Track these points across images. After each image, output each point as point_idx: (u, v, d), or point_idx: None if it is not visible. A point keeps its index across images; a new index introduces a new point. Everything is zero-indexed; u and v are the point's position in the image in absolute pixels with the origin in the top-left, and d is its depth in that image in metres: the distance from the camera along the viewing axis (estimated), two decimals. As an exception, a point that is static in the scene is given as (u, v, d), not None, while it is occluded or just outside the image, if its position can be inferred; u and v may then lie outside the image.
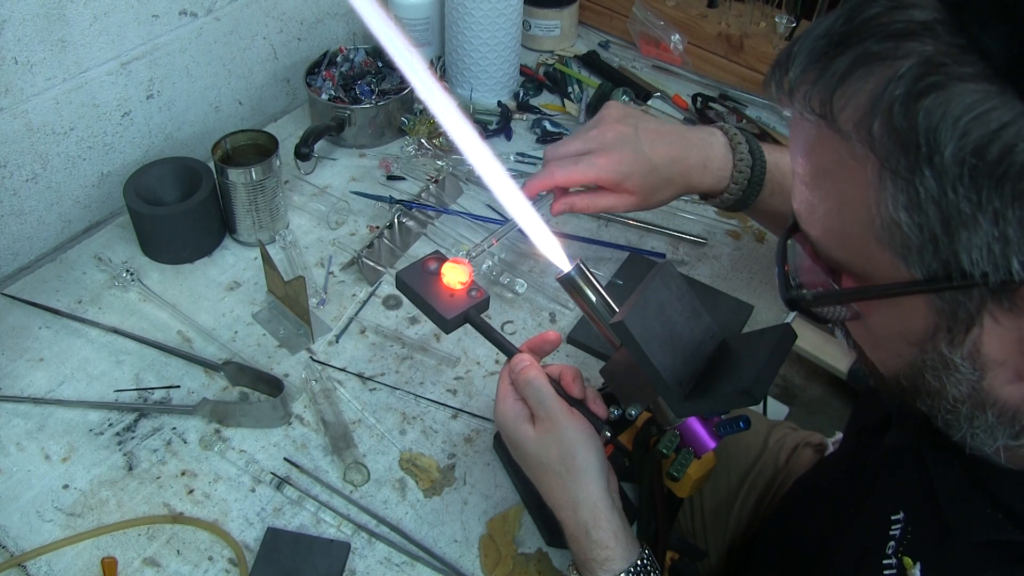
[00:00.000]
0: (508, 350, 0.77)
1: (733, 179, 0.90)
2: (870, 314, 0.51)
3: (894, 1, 0.44)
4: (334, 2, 1.35)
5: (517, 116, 1.33)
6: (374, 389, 0.97)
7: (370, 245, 1.08)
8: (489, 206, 1.18)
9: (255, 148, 1.10)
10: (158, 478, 0.87)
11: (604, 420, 0.74)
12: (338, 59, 1.30)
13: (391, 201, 1.16)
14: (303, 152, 1.16)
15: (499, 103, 1.35)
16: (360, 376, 0.98)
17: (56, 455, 0.88)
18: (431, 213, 1.15)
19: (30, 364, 0.97)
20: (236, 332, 1.02)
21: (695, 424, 0.73)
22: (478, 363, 1.00)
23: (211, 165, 1.07)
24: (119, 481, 0.87)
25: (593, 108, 1.33)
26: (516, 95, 1.38)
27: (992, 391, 0.48)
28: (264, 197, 1.07)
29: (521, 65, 1.40)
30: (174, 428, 0.91)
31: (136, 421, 0.92)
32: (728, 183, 0.90)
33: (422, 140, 1.24)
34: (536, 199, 0.92)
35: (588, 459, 0.71)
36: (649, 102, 1.37)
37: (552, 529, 0.82)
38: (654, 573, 0.70)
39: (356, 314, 1.04)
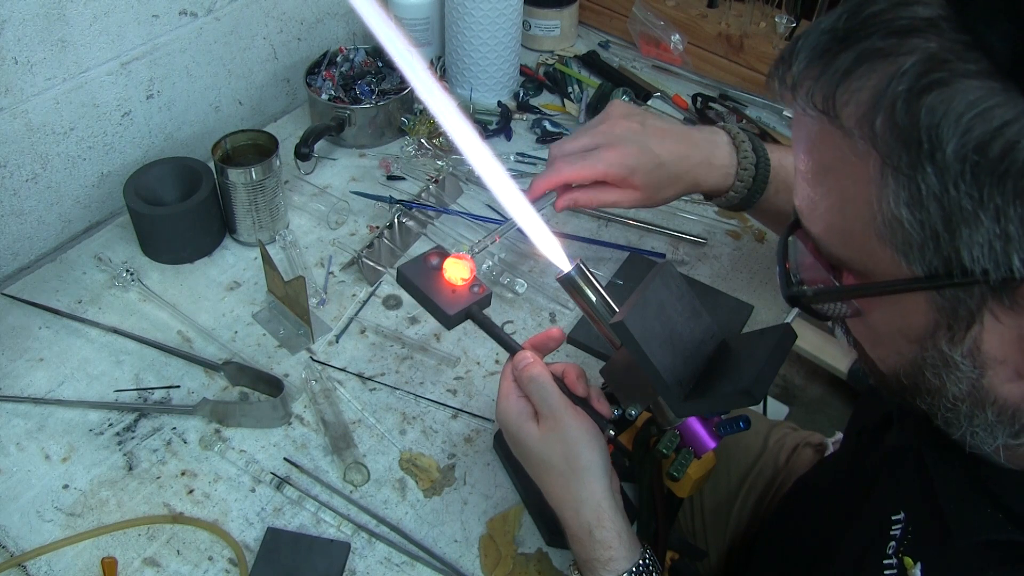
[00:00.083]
0: (511, 347, 0.77)
1: (738, 177, 0.90)
2: (870, 311, 0.52)
3: None
4: (334, 2, 1.35)
5: (517, 116, 1.33)
6: (374, 389, 0.97)
7: (370, 245, 1.08)
8: (489, 206, 1.18)
9: (255, 148, 1.10)
10: (158, 478, 0.87)
11: (608, 419, 0.73)
12: (338, 59, 1.30)
13: (391, 201, 1.16)
14: (303, 152, 1.16)
15: (499, 103, 1.35)
16: (360, 376, 0.98)
17: (56, 455, 0.88)
18: (431, 213, 1.15)
19: (30, 364, 0.97)
20: (236, 332, 1.02)
21: (695, 424, 0.73)
22: (478, 363, 1.00)
23: (211, 165, 1.07)
24: (119, 481, 0.87)
25: (593, 108, 1.33)
26: (516, 95, 1.38)
27: (992, 389, 0.48)
28: (264, 197, 1.07)
29: (521, 65, 1.40)
30: (174, 428, 0.91)
31: (136, 421, 0.92)
32: (733, 181, 0.90)
33: (422, 140, 1.24)
34: (540, 198, 0.92)
35: (592, 458, 0.70)
36: (649, 102, 1.37)
37: (552, 529, 0.82)
38: (656, 573, 0.70)
39: (356, 314, 1.04)
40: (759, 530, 0.99)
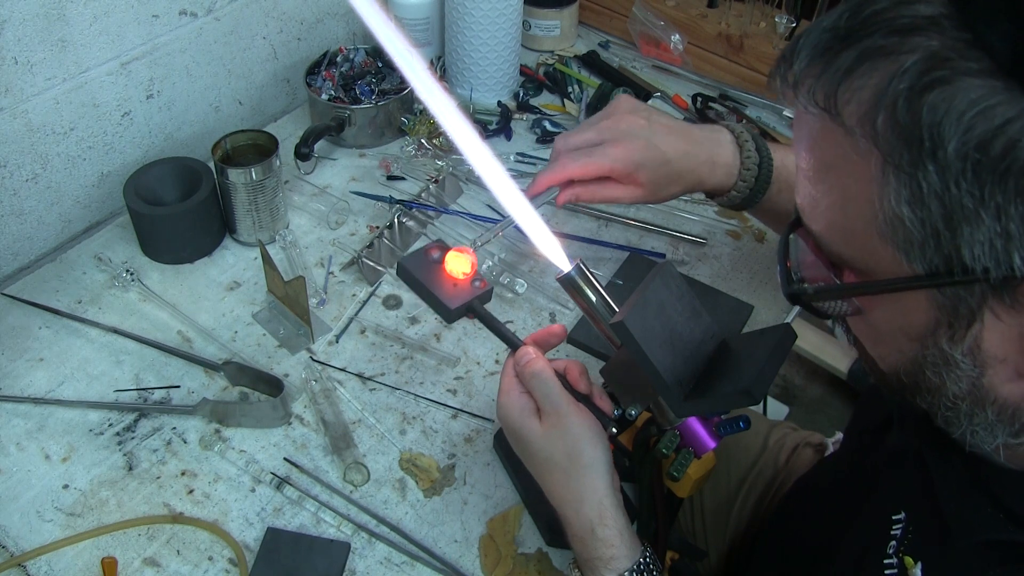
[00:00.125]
0: (512, 343, 0.76)
1: (741, 177, 0.89)
2: (871, 309, 0.52)
3: None
4: (334, 2, 1.35)
5: (517, 116, 1.33)
6: (374, 389, 0.97)
7: (370, 245, 1.08)
8: (489, 206, 1.18)
9: (255, 148, 1.10)
10: (158, 478, 0.87)
11: (610, 416, 0.73)
12: (338, 59, 1.30)
13: (391, 201, 1.16)
14: (303, 152, 1.16)
15: (499, 103, 1.35)
16: (360, 376, 0.98)
17: (56, 455, 0.88)
18: (431, 213, 1.15)
19: (30, 364, 0.97)
20: (236, 332, 1.02)
21: (695, 424, 0.73)
22: (478, 363, 1.00)
23: (211, 165, 1.07)
24: (119, 481, 0.87)
25: (593, 108, 1.33)
26: (516, 95, 1.38)
27: (992, 388, 0.48)
28: (264, 197, 1.07)
29: (521, 65, 1.40)
30: (174, 428, 0.91)
31: (136, 421, 0.92)
32: (736, 181, 0.90)
33: (422, 140, 1.24)
34: (542, 193, 0.91)
35: (595, 455, 0.70)
36: (649, 102, 1.37)
37: (553, 529, 0.82)
38: (656, 572, 0.70)
39: (356, 314, 1.04)
40: (759, 530, 0.99)
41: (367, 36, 1.41)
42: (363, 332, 1.02)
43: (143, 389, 0.95)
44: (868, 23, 0.44)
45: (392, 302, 1.06)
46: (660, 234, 1.15)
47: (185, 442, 0.90)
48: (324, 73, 1.27)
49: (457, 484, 0.89)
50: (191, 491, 0.86)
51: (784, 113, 1.35)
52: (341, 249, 1.11)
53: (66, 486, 0.86)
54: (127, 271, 1.05)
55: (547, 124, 1.31)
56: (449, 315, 0.77)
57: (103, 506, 0.85)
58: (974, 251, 0.42)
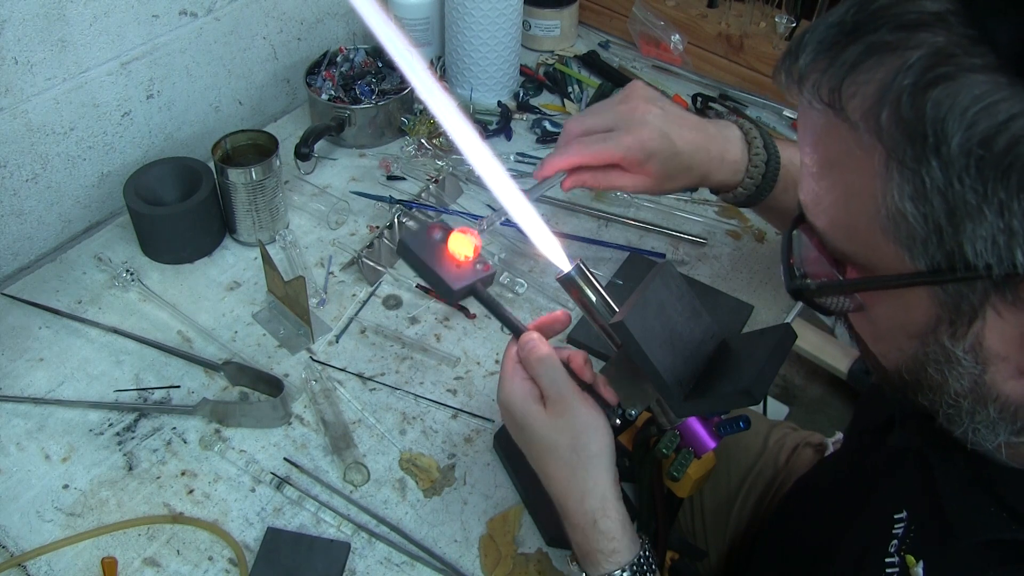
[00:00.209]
0: (516, 328, 0.75)
1: (748, 174, 0.89)
2: (873, 305, 0.52)
3: None
4: (334, 2, 1.35)
5: (517, 116, 1.33)
6: (374, 389, 0.97)
7: (370, 245, 1.08)
8: (489, 206, 1.18)
9: (255, 148, 1.10)
10: (158, 478, 0.87)
11: (614, 407, 0.72)
12: (338, 59, 1.30)
13: (391, 201, 1.16)
14: (303, 152, 1.16)
15: (499, 103, 1.35)
16: (360, 376, 0.98)
17: (56, 455, 0.88)
18: (431, 213, 1.15)
19: (30, 364, 0.97)
20: (236, 332, 1.02)
21: (695, 424, 0.73)
22: (478, 363, 1.00)
23: (211, 165, 1.07)
24: (119, 481, 0.87)
25: (593, 108, 1.33)
26: (516, 95, 1.38)
27: (994, 386, 0.48)
28: (264, 197, 1.07)
29: (521, 65, 1.40)
30: (174, 428, 0.91)
31: (136, 421, 0.92)
32: (743, 177, 0.89)
33: (422, 140, 1.24)
34: (549, 178, 0.89)
35: (600, 446, 0.69)
36: (649, 102, 1.37)
37: (554, 525, 0.82)
38: (654, 566, 0.70)
39: (356, 314, 1.04)
40: (759, 530, 0.99)
41: (367, 36, 1.41)
42: (363, 332, 1.02)
43: (143, 389, 0.95)
44: (874, 18, 0.45)
45: (392, 302, 1.06)
46: (660, 234, 1.15)
47: (185, 442, 0.90)
48: (324, 73, 1.27)
49: (457, 484, 0.89)
50: (191, 491, 0.86)
51: (784, 113, 1.35)
52: (341, 249, 1.11)
53: (66, 486, 0.86)
54: (127, 271, 1.05)
55: (547, 124, 1.31)
56: (452, 296, 0.74)
57: (103, 506, 0.85)
58: (976, 247, 0.42)
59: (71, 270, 1.07)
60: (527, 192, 0.94)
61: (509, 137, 1.31)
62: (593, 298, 0.71)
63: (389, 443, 0.91)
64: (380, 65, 1.31)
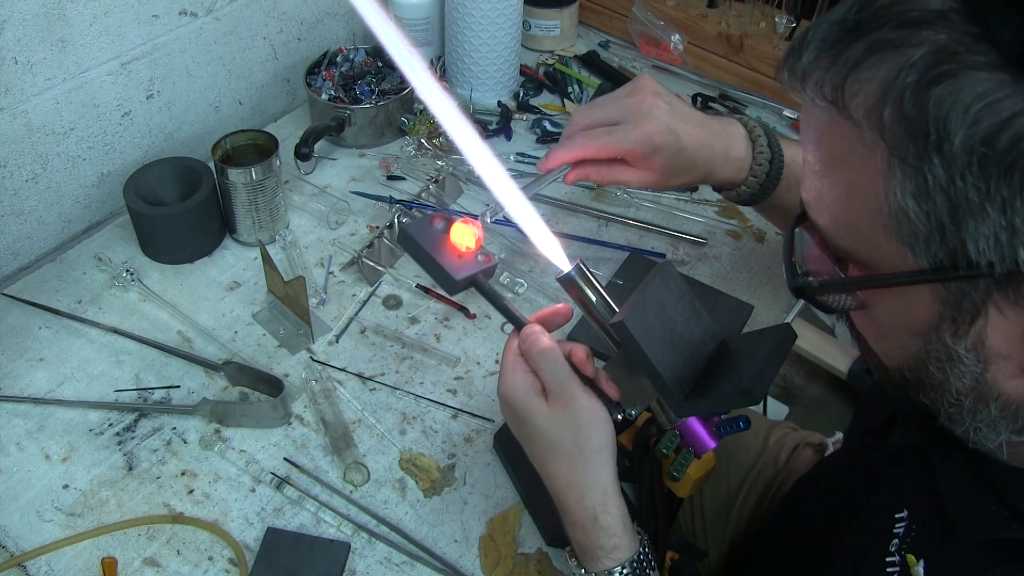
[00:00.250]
0: (517, 320, 0.74)
1: (752, 172, 0.88)
2: (875, 303, 0.52)
3: None
4: (334, 2, 1.35)
5: (517, 116, 1.33)
6: (374, 389, 0.97)
7: (370, 245, 1.08)
8: (488, 205, 1.17)
9: (255, 148, 1.10)
10: (158, 478, 0.87)
11: (616, 402, 0.71)
12: (338, 59, 1.30)
13: (391, 201, 1.16)
14: (303, 152, 1.16)
15: (499, 103, 1.35)
16: (360, 376, 0.98)
17: (56, 455, 0.88)
18: (431, 213, 1.15)
19: (30, 364, 0.97)
20: (236, 332, 1.02)
21: (695, 424, 0.73)
22: (478, 363, 1.00)
23: (211, 165, 1.07)
24: (119, 481, 0.87)
25: (593, 108, 1.32)
26: (516, 95, 1.38)
27: (996, 384, 0.48)
28: (264, 197, 1.07)
29: (521, 65, 1.40)
30: (174, 428, 0.91)
31: (136, 421, 0.92)
32: (747, 176, 0.88)
33: (422, 140, 1.24)
34: (553, 171, 0.88)
35: (602, 441, 0.68)
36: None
37: (554, 525, 0.82)
38: (654, 563, 0.69)
39: (356, 314, 1.04)
40: (759, 530, 0.99)
41: (367, 36, 1.41)
42: (363, 332, 1.02)
43: (143, 389, 0.95)
44: (877, 16, 0.45)
45: (392, 302, 1.06)
46: (660, 234, 1.15)
47: (185, 442, 0.90)
48: (324, 73, 1.27)
49: (457, 484, 0.89)
50: (191, 491, 0.86)
51: (784, 113, 1.35)
52: (341, 249, 1.11)
53: (66, 486, 0.86)
54: (127, 271, 1.05)
55: (547, 124, 1.31)
56: (452, 286, 0.73)
57: (103, 506, 0.85)
58: (979, 245, 0.42)
59: (71, 270, 1.07)
60: (530, 185, 0.94)
61: (509, 137, 1.31)
62: (593, 298, 0.71)
63: (389, 443, 0.91)
64: (380, 65, 1.31)
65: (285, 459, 0.89)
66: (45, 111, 1.03)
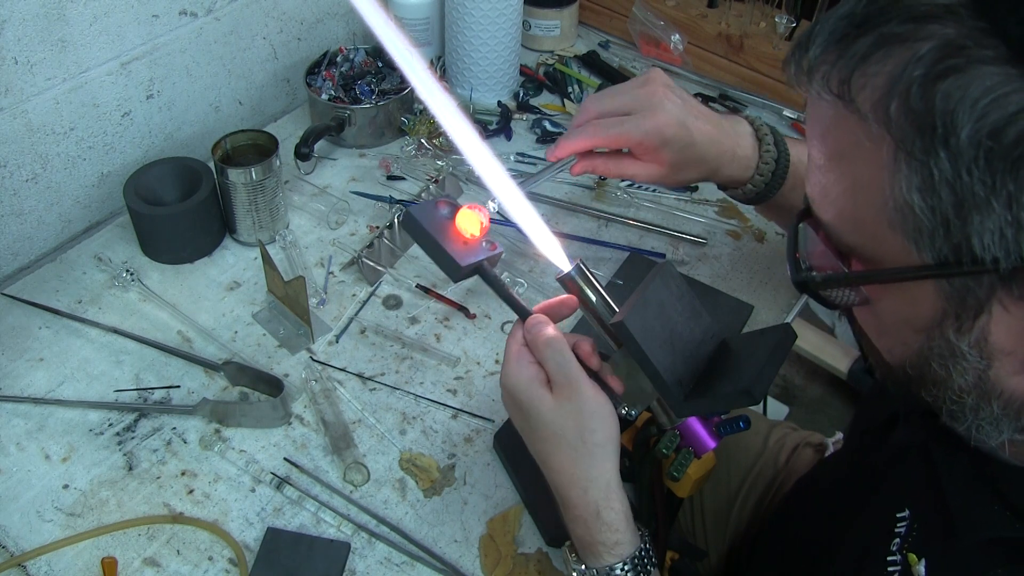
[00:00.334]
0: (521, 310, 0.73)
1: (758, 171, 0.88)
2: (878, 299, 0.51)
3: None
4: (334, 2, 1.35)
5: (517, 116, 1.33)
6: (374, 389, 0.97)
7: (370, 245, 1.08)
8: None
9: (255, 148, 1.10)
10: (158, 478, 0.87)
11: (620, 396, 0.70)
12: (338, 59, 1.30)
13: (391, 201, 1.16)
14: (303, 152, 1.16)
15: (499, 103, 1.35)
16: (360, 376, 0.97)
17: (56, 455, 0.88)
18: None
19: (30, 364, 0.97)
20: (236, 332, 1.02)
21: (695, 424, 0.73)
22: (478, 363, 1.00)
23: (211, 165, 1.07)
24: (119, 481, 0.87)
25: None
26: (516, 95, 1.38)
27: (999, 381, 0.48)
28: (264, 197, 1.07)
29: (521, 65, 1.40)
30: (174, 428, 0.91)
31: (136, 421, 0.92)
32: (753, 174, 0.88)
33: (422, 140, 1.24)
34: (561, 161, 0.87)
35: (607, 434, 0.67)
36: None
37: (554, 525, 0.82)
38: (654, 559, 0.69)
39: (356, 314, 1.04)
40: (760, 530, 0.99)
41: (367, 36, 1.41)
42: (363, 332, 1.02)
43: (143, 389, 0.95)
44: (885, 11, 0.45)
45: (392, 302, 1.06)
46: (660, 234, 1.15)
47: (185, 442, 0.90)
48: (324, 73, 1.27)
49: (457, 484, 0.89)
50: (191, 491, 0.86)
51: (784, 113, 1.35)
52: (341, 249, 1.11)
53: (66, 486, 0.86)
54: (127, 271, 1.05)
55: (547, 124, 1.31)
56: (457, 272, 0.71)
57: (103, 506, 0.85)
58: (984, 240, 0.42)
59: (71, 270, 1.07)
60: (538, 174, 0.93)
61: (509, 137, 1.31)
62: (593, 298, 0.71)
63: (389, 443, 0.91)
64: (380, 65, 1.31)
65: (285, 459, 0.89)
66: (45, 111, 1.03)
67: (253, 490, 0.87)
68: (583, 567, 0.70)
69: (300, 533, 0.83)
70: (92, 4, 1.02)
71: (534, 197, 1.13)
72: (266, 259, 1.00)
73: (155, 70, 1.14)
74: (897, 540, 0.59)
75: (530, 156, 1.26)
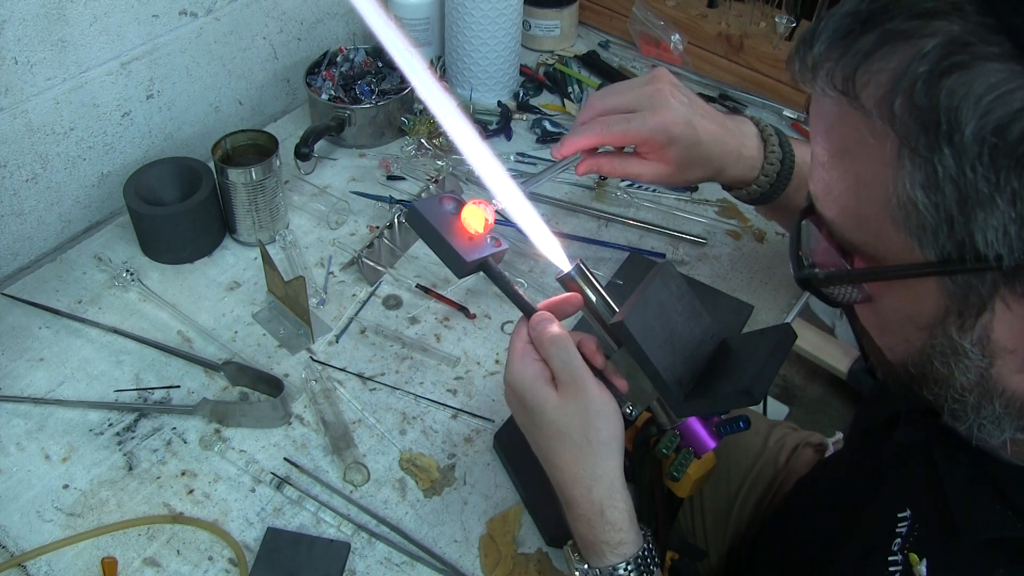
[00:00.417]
0: (526, 307, 0.72)
1: (763, 171, 0.88)
2: (881, 296, 0.51)
3: None
4: (334, 2, 1.35)
5: (517, 116, 1.33)
6: (374, 389, 0.97)
7: (370, 245, 1.08)
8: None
9: (255, 148, 1.10)
10: (158, 478, 0.87)
11: (624, 395, 0.70)
12: (338, 59, 1.30)
13: (391, 201, 1.16)
14: (303, 152, 1.16)
15: (499, 103, 1.35)
16: (360, 376, 0.97)
17: (56, 455, 0.88)
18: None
19: (30, 364, 0.97)
20: (236, 332, 1.02)
21: (695, 424, 0.73)
22: (478, 363, 1.00)
23: (211, 165, 1.07)
24: (119, 481, 0.87)
25: (593, 108, 1.32)
26: (516, 95, 1.38)
27: (1001, 380, 0.48)
28: (264, 197, 1.07)
29: (521, 65, 1.40)
30: (174, 428, 0.91)
31: (136, 421, 0.92)
32: (758, 175, 0.88)
33: (422, 140, 1.24)
34: (567, 157, 0.87)
35: (611, 433, 0.67)
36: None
37: (554, 525, 0.82)
38: (657, 559, 0.69)
39: (356, 314, 1.04)
40: (760, 530, 0.99)
41: (367, 36, 1.41)
42: (363, 332, 1.02)
43: (143, 389, 0.95)
44: (889, 7, 0.45)
45: (392, 302, 1.06)
46: (660, 234, 1.15)
47: (185, 442, 0.90)
48: (324, 73, 1.27)
49: (457, 484, 0.89)
50: (191, 491, 0.86)
51: (784, 113, 1.35)
52: (341, 249, 1.11)
53: (66, 486, 0.86)
54: (127, 271, 1.05)
55: (547, 124, 1.31)
56: (462, 268, 0.70)
57: (103, 506, 0.85)
58: (987, 237, 0.42)
59: (71, 270, 1.07)
60: (542, 173, 0.93)
61: (509, 137, 1.31)
62: (593, 298, 0.71)
63: (389, 443, 0.91)
64: (380, 65, 1.31)
65: (285, 459, 0.89)
66: (45, 111, 1.03)
67: (253, 490, 0.87)
68: (586, 567, 0.69)
69: (300, 533, 0.83)
70: (92, 4, 1.02)
71: (534, 197, 1.13)
72: (266, 259, 1.00)
73: (155, 70, 1.14)
74: (898, 540, 0.59)
75: (530, 156, 1.26)
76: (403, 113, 1.26)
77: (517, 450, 0.84)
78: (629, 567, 0.67)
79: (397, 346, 1.01)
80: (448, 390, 0.97)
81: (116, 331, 0.99)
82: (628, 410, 0.71)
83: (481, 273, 0.73)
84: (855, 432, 0.83)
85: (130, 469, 0.88)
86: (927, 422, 0.59)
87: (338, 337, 1.01)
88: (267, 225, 1.10)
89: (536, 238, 0.72)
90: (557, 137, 1.29)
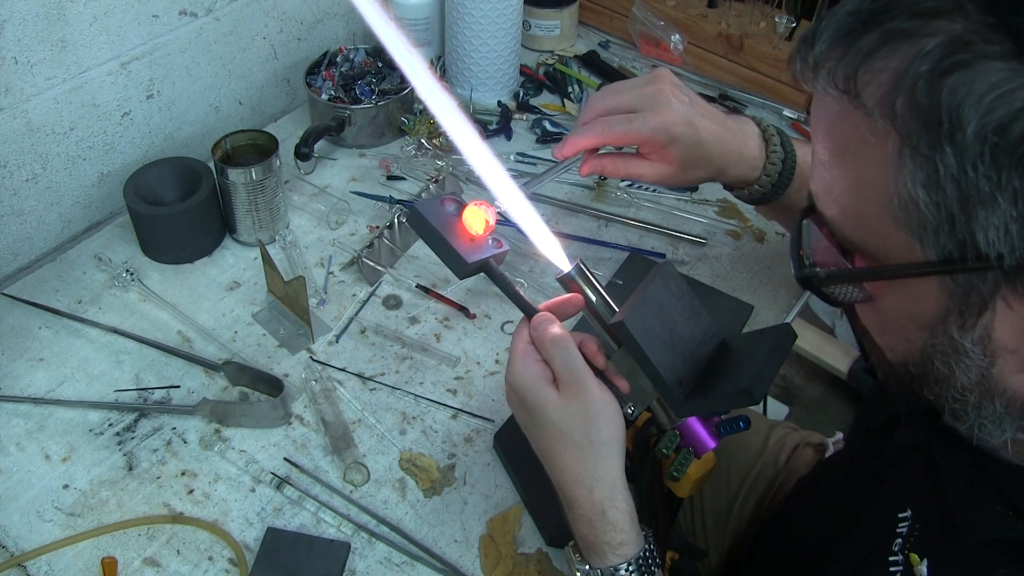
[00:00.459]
0: (527, 308, 0.72)
1: (765, 171, 0.88)
2: (881, 296, 0.51)
3: None
4: (334, 2, 1.35)
5: (517, 116, 1.33)
6: (374, 389, 0.97)
7: (370, 245, 1.08)
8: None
9: (255, 148, 1.10)
10: (158, 478, 0.87)
11: (625, 395, 0.70)
12: (338, 59, 1.30)
13: (391, 201, 1.16)
14: (303, 152, 1.16)
15: (499, 103, 1.35)
16: (360, 376, 0.97)
17: (56, 455, 0.88)
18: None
19: (30, 364, 0.97)
20: (236, 332, 1.02)
21: (695, 424, 0.73)
22: (478, 363, 1.00)
23: (211, 165, 1.07)
24: (119, 481, 0.87)
25: (593, 108, 1.32)
26: (516, 95, 1.38)
27: (1001, 379, 0.48)
28: (264, 197, 1.07)
29: (521, 65, 1.40)
30: (174, 428, 0.91)
31: (136, 421, 0.92)
32: (760, 175, 0.88)
33: (422, 140, 1.24)
34: (569, 158, 0.87)
35: (612, 433, 0.67)
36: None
37: (554, 525, 0.82)
38: (659, 559, 0.69)
39: (356, 314, 1.04)
40: (760, 530, 0.99)
41: (367, 36, 1.41)
42: (363, 332, 1.02)
43: (143, 389, 0.95)
44: (891, 6, 0.45)
45: (392, 302, 1.06)
46: (660, 234, 1.15)
47: (185, 442, 0.90)
48: (324, 73, 1.27)
49: (457, 484, 0.89)
50: (191, 491, 0.86)
51: (784, 113, 1.35)
52: (341, 249, 1.11)
53: (66, 486, 0.86)
54: (127, 271, 1.05)
55: (547, 124, 1.31)
56: (463, 269, 0.70)
57: (103, 506, 0.85)
58: (988, 236, 0.42)
59: (71, 270, 1.07)
60: (544, 174, 0.92)
61: (509, 137, 1.31)
62: (593, 298, 0.71)
63: (389, 443, 0.91)
64: (380, 65, 1.31)
65: (285, 459, 0.89)
66: (45, 111, 1.03)
67: (253, 490, 0.87)
68: (587, 567, 0.69)
69: (300, 533, 0.83)
70: (92, 4, 1.02)
71: (534, 197, 1.13)
72: (266, 259, 1.00)
73: (155, 70, 1.14)
74: (899, 540, 0.59)
75: (530, 156, 1.26)
76: (403, 113, 1.26)
77: (517, 450, 0.84)
78: (630, 567, 0.67)
79: (397, 346, 1.01)
80: (448, 390, 0.97)
81: (116, 331, 0.99)
82: (628, 410, 0.71)
83: (481, 273, 0.73)
84: (855, 432, 0.83)
85: (130, 469, 0.88)
86: (928, 422, 0.59)
87: (338, 337, 1.01)
88: (267, 225, 1.10)
89: (536, 238, 0.72)
90: (557, 137, 1.29)
